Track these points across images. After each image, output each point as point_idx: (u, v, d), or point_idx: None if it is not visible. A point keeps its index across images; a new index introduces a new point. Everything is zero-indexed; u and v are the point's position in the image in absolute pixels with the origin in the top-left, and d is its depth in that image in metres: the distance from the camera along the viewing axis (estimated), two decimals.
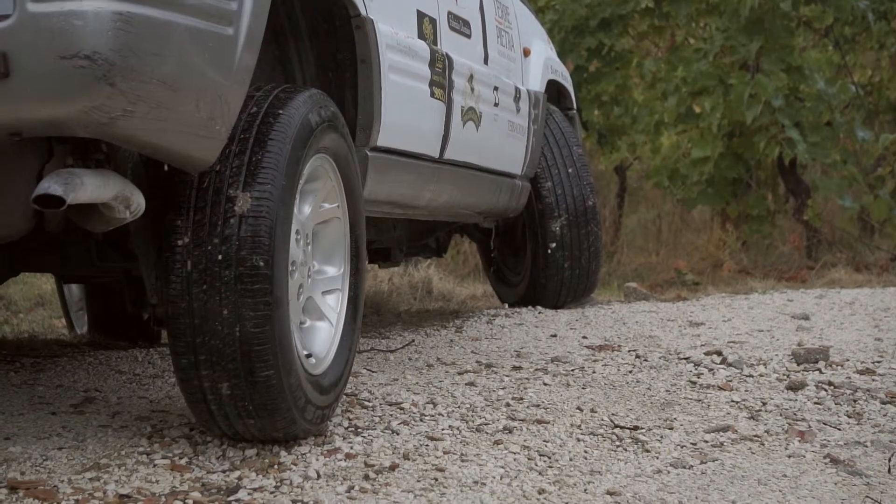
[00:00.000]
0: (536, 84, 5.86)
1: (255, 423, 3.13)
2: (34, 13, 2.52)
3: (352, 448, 3.26)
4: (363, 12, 3.88)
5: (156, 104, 2.68)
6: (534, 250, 6.02)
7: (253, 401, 3.07)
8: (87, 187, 2.73)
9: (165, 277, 3.04)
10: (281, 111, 3.17)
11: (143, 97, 2.63)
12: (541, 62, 6.00)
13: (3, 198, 2.91)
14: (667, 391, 4.03)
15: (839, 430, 3.63)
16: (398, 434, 3.40)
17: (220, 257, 3.00)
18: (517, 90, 5.52)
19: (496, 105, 5.20)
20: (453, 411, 3.66)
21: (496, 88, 5.20)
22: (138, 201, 2.91)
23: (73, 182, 2.69)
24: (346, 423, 3.48)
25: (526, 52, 5.80)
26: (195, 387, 3.09)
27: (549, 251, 5.96)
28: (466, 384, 4.03)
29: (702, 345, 4.79)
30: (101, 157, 2.92)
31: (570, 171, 6.01)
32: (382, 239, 5.49)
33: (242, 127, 3.09)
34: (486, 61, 5.14)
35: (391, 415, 3.59)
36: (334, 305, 3.53)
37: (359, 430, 3.43)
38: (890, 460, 3.29)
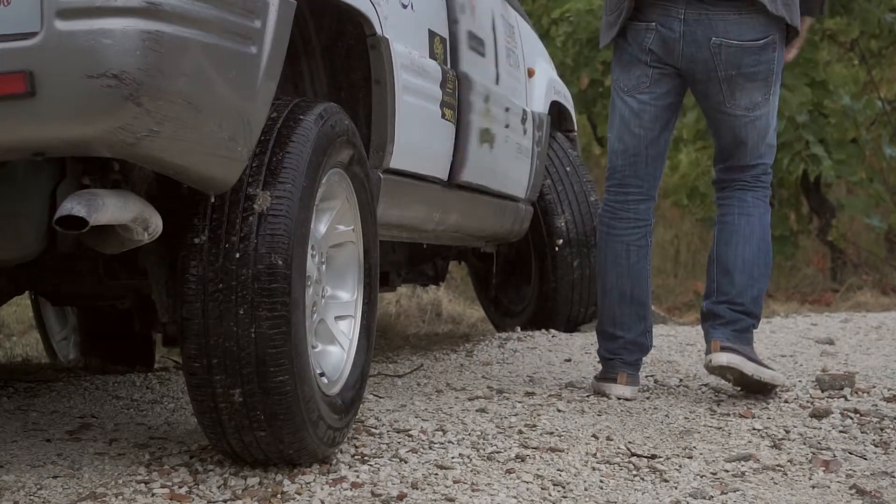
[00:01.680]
0: (540, 105, 5.88)
1: (266, 435, 3.13)
2: (62, 31, 2.56)
3: (358, 477, 3.26)
4: (379, 31, 3.90)
5: (181, 124, 2.72)
6: (541, 269, 6.03)
7: (266, 409, 3.08)
8: (109, 209, 2.77)
9: (181, 277, 3.06)
10: (302, 116, 3.22)
11: (170, 117, 2.68)
12: (544, 83, 6.02)
13: (17, 219, 2.93)
14: (685, 418, 4.02)
15: (865, 459, 3.62)
16: (406, 462, 3.40)
17: (237, 255, 3.02)
18: (523, 111, 5.54)
19: (507, 126, 5.22)
20: (463, 439, 3.66)
21: (507, 109, 5.23)
22: (156, 223, 2.94)
23: (95, 203, 2.72)
24: (352, 451, 3.48)
25: (530, 73, 5.82)
26: (206, 394, 3.10)
27: (555, 275, 5.98)
28: (477, 410, 4.02)
29: None
30: (117, 177, 2.95)
31: (578, 195, 6.04)
32: (381, 263, 5.51)
33: (263, 129, 3.11)
34: (497, 81, 5.16)
35: (399, 442, 3.59)
36: (346, 331, 3.54)
37: (365, 458, 3.43)
38: None
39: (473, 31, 4.84)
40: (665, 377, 4.62)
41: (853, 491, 3.34)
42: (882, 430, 3.92)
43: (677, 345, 5.46)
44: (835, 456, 3.65)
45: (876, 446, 3.76)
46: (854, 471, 3.51)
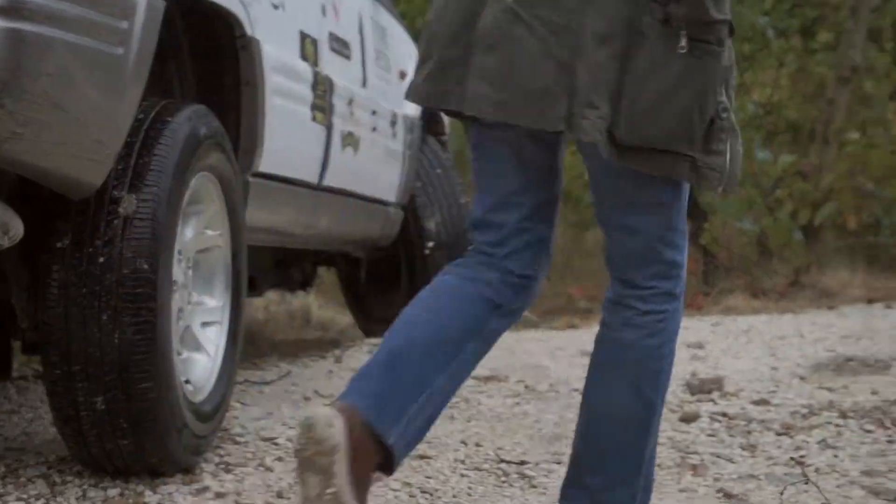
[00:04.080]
0: (412, 108, 5.90)
1: (129, 443, 3.11)
2: None
3: (222, 486, 3.25)
4: (249, 33, 3.90)
5: (45, 126, 2.68)
6: (410, 273, 6.05)
7: (129, 417, 3.06)
8: None
9: (43, 281, 3.03)
10: (169, 118, 3.20)
11: (33, 119, 2.64)
12: None
13: None
14: (556, 424, 4.07)
15: (733, 463, 3.70)
16: (272, 471, 3.40)
17: (102, 260, 3.00)
18: (394, 114, 5.56)
19: (374, 130, 5.24)
20: None
21: (374, 112, 5.24)
22: (17, 227, 2.90)
23: None
24: (216, 460, 3.47)
25: (402, 76, 5.84)
26: (67, 401, 3.07)
27: (426, 279, 5.99)
28: None
29: None
30: None
31: (448, 197, 6.08)
32: (249, 268, 5.49)
33: (129, 131, 3.09)
34: (364, 84, 5.18)
35: (265, 451, 3.59)
36: (213, 338, 3.54)
37: (230, 467, 3.42)
38: (782, 494, 3.37)
39: (337, 33, 4.85)
40: (536, 383, 4.67)
41: (720, 494, 3.41)
42: (749, 433, 4.00)
43: (548, 350, 5.52)
44: (703, 460, 3.72)
45: (743, 449, 3.84)
46: (721, 474, 3.58)
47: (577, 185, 10.49)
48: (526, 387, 4.60)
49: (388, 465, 2.62)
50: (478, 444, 3.77)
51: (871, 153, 10.52)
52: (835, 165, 10.26)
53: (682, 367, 5.08)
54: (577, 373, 4.90)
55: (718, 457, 3.74)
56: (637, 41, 2.53)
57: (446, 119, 6.60)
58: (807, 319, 6.73)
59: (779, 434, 3.98)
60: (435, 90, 2.67)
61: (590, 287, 9.82)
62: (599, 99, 2.50)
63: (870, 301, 7.77)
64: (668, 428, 4.04)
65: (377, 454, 2.56)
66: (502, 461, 3.61)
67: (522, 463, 3.61)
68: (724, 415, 4.19)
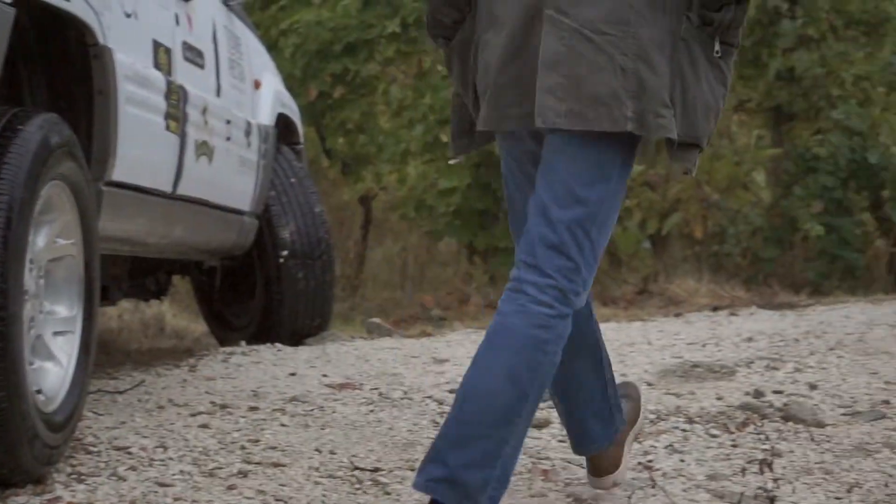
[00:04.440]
0: (266, 118, 5.89)
1: None
2: None
3: (74, 496, 3.21)
4: (101, 41, 3.85)
5: None
6: (266, 282, 6.04)
7: None
8: None
9: None
10: (20, 127, 3.16)
11: None
12: (271, 95, 6.03)
13: None
14: (409, 431, 4.09)
15: (583, 468, 3.74)
16: (125, 480, 3.37)
17: None
18: (248, 124, 5.54)
19: (228, 139, 5.22)
20: (185, 455, 3.64)
21: (228, 122, 5.22)
22: None
23: None
24: (68, 470, 3.42)
25: (257, 85, 5.82)
26: None
27: (280, 288, 6.00)
28: (199, 426, 4.01)
29: (446, 382, 4.87)
30: None
31: (303, 207, 6.08)
32: (102, 277, 5.43)
33: None
34: (218, 93, 5.15)
35: (118, 460, 3.55)
36: (65, 347, 3.49)
37: (82, 476, 3.38)
38: (630, 498, 3.42)
39: (190, 42, 4.82)
40: (390, 390, 4.68)
41: (571, 499, 3.45)
42: None
43: (402, 358, 5.53)
44: (554, 465, 3.76)
45: None
46: (572, 479, 3.63)
47: (431, 195, 10.54)
48: (380, 394, 4.61)
49: None
50: (332, 452, 3.76)
51: (716, 164, 10.73)
52: (683, 176, 10.43)
53: None
54: (430, 380, 4.92)
55: (569, 462, 3.78)
56: (680, 46, 2.86)
57: (300, 129, 6.59)
58: (654, 327, 6.83)
59: None
60: (496, 114, 2.95)
61: (442, 296, 9.87)
62: (668, 99, 2.84)
63: (715, 308, 7.90)
64: None
65: None
66: (356, 468, 3.61)
67: (376, 470, 3.62)
68: None
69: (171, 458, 3.60)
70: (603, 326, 6.72)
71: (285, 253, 6.00)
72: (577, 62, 2.83)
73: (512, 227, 3.24)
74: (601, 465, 3.44)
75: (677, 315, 7.76)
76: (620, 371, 5.20)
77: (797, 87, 12.09)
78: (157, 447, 3.70)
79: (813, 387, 4.77)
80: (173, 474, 3.45)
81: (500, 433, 2.84)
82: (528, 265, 2.90)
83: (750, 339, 5.97)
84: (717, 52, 2.90)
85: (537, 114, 2.85)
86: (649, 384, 4.90)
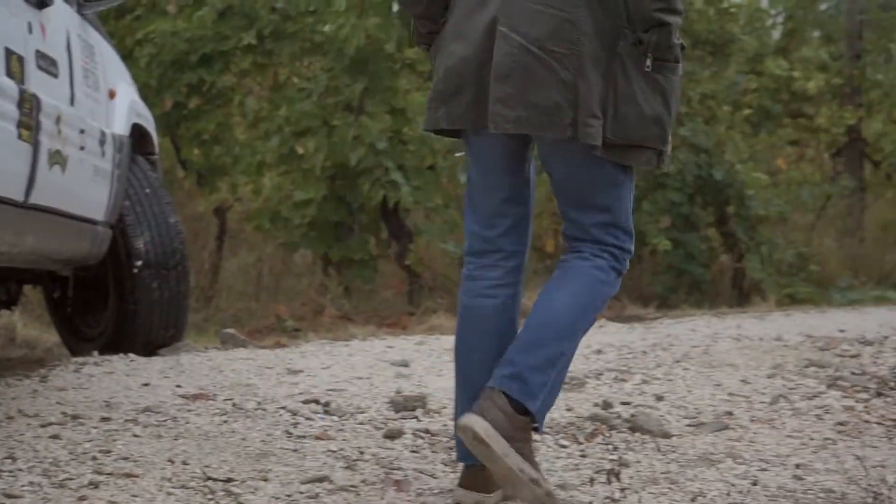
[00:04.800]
0: (121, 127, 5.82)
1: None
2: None
3: None
4: None
5: None
6: (119, 292, 5.97)
7: None
8: None
9: None
10: None
11: None
12: (126, 105, 5.97)
13: None
14: (262, 441, 4.07)
15: (435, 478, 3.75)
16: None
17: None
18: (103, 133, 5.47)
19: (82, 148, 5.15)
20: (34, 466, 3.58)
21: (82, 131, 5.15)
22: None
23: None
24: None
25: (111, 95, 5.75)
26: None
27: (134, 298, 5.94)
28: (50, 437, 3.94)
29: (300, 393, 4.85)
30: None
31: (157, 217, 6.02)
32: None
33: None
34: (72, 102, 5.08)
35: None
36: None
37: None
38: None
39: (44, 50, 4.74)
40: (243, 401, 4.65)
41: None
42: (451, 449, 4.07)
43: (256, 368, 5.50)
44: (406, 475, 3.76)
45: (445, 465, 3.90)
46: (423, 489, 3.63)
47: (286, 207, 10.50)
48: (234, 405, 4.58)
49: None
50: (185, 463, 3.73)
51: None
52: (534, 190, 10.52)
53: (387, 385, 5.14)
54: (284, 391, 4.90)
55: (421, 472, 3.79)
56: (616, 61, 3.25)
57: (156, 139, 6.53)
58: None
59: None
60: (477, 115, 3.32)
61: (297, 307, 9.84)
62: (597, 110, 3.22)
63: None
64: (373, 445, 4.08)
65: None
66: (209, 479, 3.58)
67: (229, 480, 3.59)
68: (428, 431, 4.25)
69: (20, 469, 3.54)
70: (455, 338, 6.76)
71: (139, 263, 5.94)
72: (525, 76, 3.23)
73: (469, 215, 3.54)
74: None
75: None
76: None
77: None
78: (5, 458, 3.63)
79: (659, 398, 4.85)
80: (22, 485, 3.39)
81: (559, 346, 3.36)
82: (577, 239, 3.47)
83: (599, 352, 6.04)
84: (648, 67, 3.24)
85: (490, 120, 3.26)
86: None
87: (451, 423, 4.37)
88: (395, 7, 10.21)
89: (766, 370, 5.59)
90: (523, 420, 3.29)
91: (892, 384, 5.34)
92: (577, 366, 5.58)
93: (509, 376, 3.29)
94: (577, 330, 3.40)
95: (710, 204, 11.85)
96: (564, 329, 3.36)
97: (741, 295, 11.52)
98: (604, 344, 6.30)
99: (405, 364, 5.74)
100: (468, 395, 3.44)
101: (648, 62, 3.25)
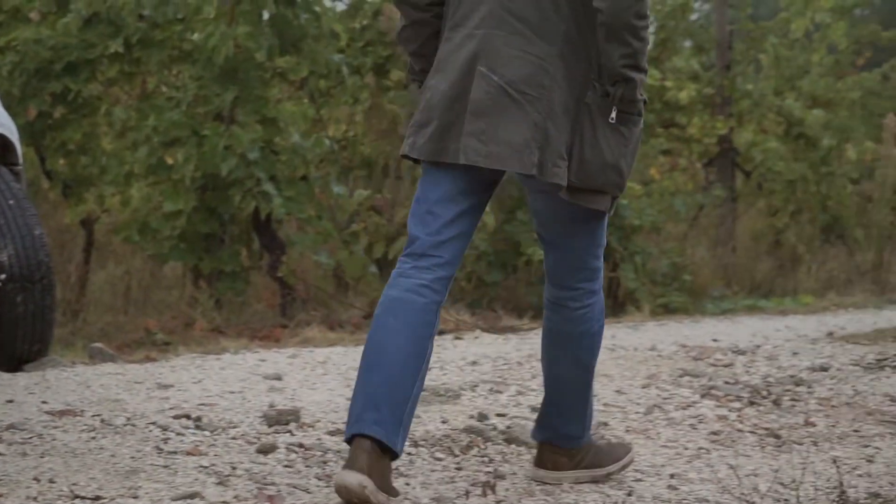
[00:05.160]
0: None
1: None
2: None
3: None
4: None
5: None
6: None
7: None
8: None
9: None
10: None
11: None
12: None
13: None
14: (132, 458, 4.02)
15: (308, 493, 3.75)
16: None
17: None
18: None
19: None
20: None
21: None
22: None
23: None
24: None
25: None
26: None
27: None
28: None
29: (170, 408, 4.81)
30: None
31: (21, 229, 5.92)
32: None
33: None
34: None
35: None
36: None
37: None
38: None
39: None
40: (112, 416, 4.59)
41: None
42: (325, 463, 4.06)
43: (125, 383, 5.43)
44: (279, 490, 3.75)
45: (319, 480, 3.89)
46: None
47: (155, 218, 10.39)
48: (102, 421, 4.51)
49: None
50: (51, 481, 3.67)
51: None
52: (408, 200, 10.54)
53: (260, 399, 5.11)
54: (154, 406, 4.85)
55: (295, 487, 3.78)
56: (584, 111, 3.58)
57: (19, 149, 6.42)
58: None
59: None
60: (436, 147, 3.63)
61: (167, 320, 9.74)
62: (565, 153, 3.54)
63: (440, 332, 8.00)
64: (245, 460, 4.05)
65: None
66: (77, 497, 3.54)
67: (97, 498, 3.54)
68: (301, 446, 4.24)
69: None
70: (328, 351, 6.77)
71: (3, 276, 5.83)
72: (499, 113, 3.55)
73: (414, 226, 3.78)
74: None
75: None
76: (347, 396, 5.22)
77: None
78: None
79: (535, 409, 4.88)
80: None
81: (583, 395, 3.98)
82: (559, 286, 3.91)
83: (475, 363, 6.07)
84: (612, 119, 3.57)
85: (462, 152, 3.57)
86: None
87: (326, 436, 4.36)
88: (266, 15, 10.15)
89: (641, 380, 5.66)
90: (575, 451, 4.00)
91: (764, 393, 5.44)
92: (451, 378, 5.60)
93: (562, 436, 3.98)
94: (592, 372, 3.99)
95: None
96: (583, 384, 3.97)
97: (616, 304, 11.62)
98: (479, 355, 6.33)
99: (278, 377, 5.71)
100: (367, 391, 3.58)
101: (613, 114, 3.57)
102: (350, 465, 3.49)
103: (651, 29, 15.24)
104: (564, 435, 3.97)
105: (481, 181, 3.71)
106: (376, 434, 3.50)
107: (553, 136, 3.55)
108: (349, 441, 3.56)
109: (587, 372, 3.96)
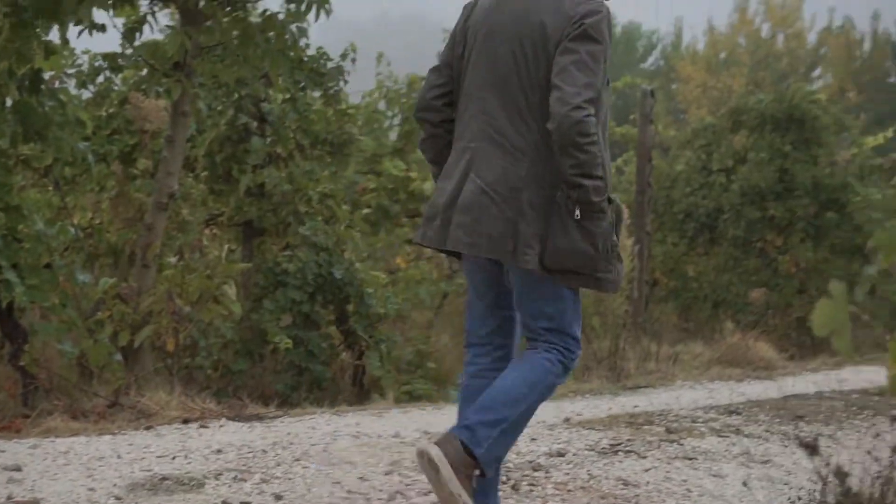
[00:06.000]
0: None
1: None
2: None
3: None
4: None
5: None
6: None
7: None
8: None
9: None
10: None
11: None
12: None
13: None
14: None
15: None
16: None
17: None
18: None
19: None
20: None
21: None
22: None
23: None
24: None
25: None
26: None
27: None
28: None
29: None
30: None
31: None
32: None
33: None
34: None
35: None
36: None
37: None
38: None
39: None
40: None
41: None
42: None
43: None
44: None
45: None
46: None
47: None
48: None
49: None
50: None
51: (188, 278, 10.84)
52: (154, 289, 10.47)
53: None
54: None
55: None
56: (552, 208, 4.23)
57: None
58: (125, 440, 6.81)
59: None
60: (439, 237, 4.39)
61: None
62: (534, 242, 4.23)
63: (185, 421, 7.94)
64: None
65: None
66: None
67: None
68: None
69: None
70: (71, 441, 6.67)
71: None
72: (480, 210, 4.29)
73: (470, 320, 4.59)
74: None
75: (148, 428, 7.74)
76: (89, 486, 5.17)
77: (267, 202, 12.43)
78: None
79: (279, 497, 4.92)
80: None
81: (504, 411, 4.26)
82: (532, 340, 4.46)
83: (219, 451, 6.07)
84: (577, 216, 4.17)
85: (449, 239, 4.34)
86: (118, 498, 4.90)
87: None
88: (9, 102, 10.01)
89: (384, 467, 5.74)
90: (469, 460, 4.17)
91: (503, 479, 5.57)
92: (196, 466, 5.59)
93: (463, 427, 4.23)
94: (521, 401, 4.30)
95: (330, 302, 12.03)
96: (509, 399, 4.28)
97: (361, 392, 11.71)
98: (224, 443, 6.33)
99: (17, 468, 5.61)
100: None
101: (577, 212, 4.18)
102: None
103: (397, 120, 15.42)
104: (471, 430, 4.23)
105: (491, 269, 4.46)
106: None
107: (523, 230, 4.24)
108: None
109: (522, 395, 4.31)
